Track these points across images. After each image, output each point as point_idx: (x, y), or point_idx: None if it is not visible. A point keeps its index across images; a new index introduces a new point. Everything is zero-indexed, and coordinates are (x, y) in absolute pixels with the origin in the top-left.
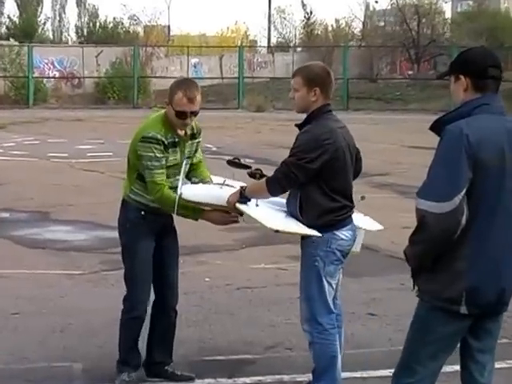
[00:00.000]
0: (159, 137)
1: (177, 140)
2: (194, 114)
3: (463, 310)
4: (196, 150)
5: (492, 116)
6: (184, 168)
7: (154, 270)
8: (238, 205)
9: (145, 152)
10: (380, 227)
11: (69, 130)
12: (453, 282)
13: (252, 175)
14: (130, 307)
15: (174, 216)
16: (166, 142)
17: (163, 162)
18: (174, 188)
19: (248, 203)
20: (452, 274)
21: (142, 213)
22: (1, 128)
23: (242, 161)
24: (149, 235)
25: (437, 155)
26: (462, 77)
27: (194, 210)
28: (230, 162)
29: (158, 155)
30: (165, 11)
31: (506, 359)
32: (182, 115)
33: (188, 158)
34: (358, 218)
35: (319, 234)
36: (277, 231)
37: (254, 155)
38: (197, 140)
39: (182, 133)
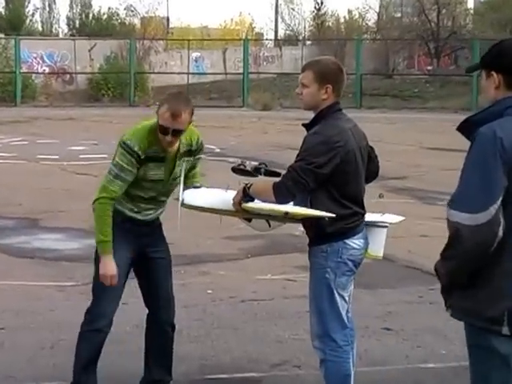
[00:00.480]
0: (136, 149)
1: (162, 156)
2: (177, 132)
3: (505, 330)
4: (193, 167)
5: None
6: (183, 173)
7: (145, 284)
8: (244, 204)
9: (117, 157)
10: (401, 218)
11: (60, 130)
12: (493, 300)
13: (256, 170)
14: (89, 319)
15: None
16: (142, 157)
17: (128, 178)
18: (154, 206)
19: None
20: (492, 291)
21: (119, 219)
22: None
23: (248, 166)
24: (124, 244)
25: (468, 161)
26: (493, 73)
27: (104, 246)
28: (235, 170)
29: (125, 166)
30: (163, 1)
31: None
32: (163, 130)
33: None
34: (376, 217)
35: (333, 215)
36: (286, 213)
37: (259, 157)
38: (197, 157)
39: (171, 149)
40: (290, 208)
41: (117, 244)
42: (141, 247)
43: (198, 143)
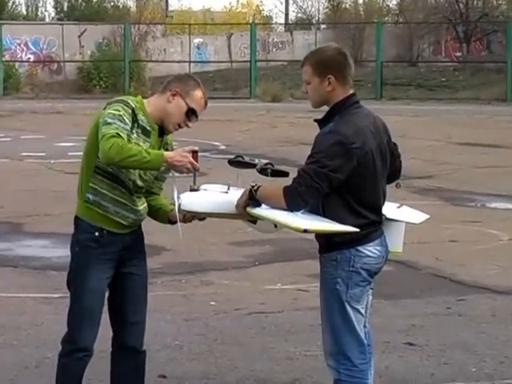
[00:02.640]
0: (130, 102)
1: (148, 130)
2: (196, 119)
3: None
4: (161, 179)
5: None
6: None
7: (113, 300)
8: (248, 209)
9: (108, 110)
10: (426, 216)
11: (46, 125)
12: None
13: (262, 171)
14: (69, 350)
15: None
16: (135, 112)
17: (129, 127)
18: (138, 195)
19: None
20: None
21: (96, 234)
22: None
23: (248, 159)
24: (104, 261)
25: None
26: None
27: (156, 155)
28: (232, 162)
29: (124, 117)
30: None
31: None
32: (193, 114)
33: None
34: (392, 211)
35: (357, 230)
36: (305, 231)
37: (269, 154)
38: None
39: (171, 129)
40: (309, 225)
41: (96, 264)
42: (118, 261)
43: (173, 146)
